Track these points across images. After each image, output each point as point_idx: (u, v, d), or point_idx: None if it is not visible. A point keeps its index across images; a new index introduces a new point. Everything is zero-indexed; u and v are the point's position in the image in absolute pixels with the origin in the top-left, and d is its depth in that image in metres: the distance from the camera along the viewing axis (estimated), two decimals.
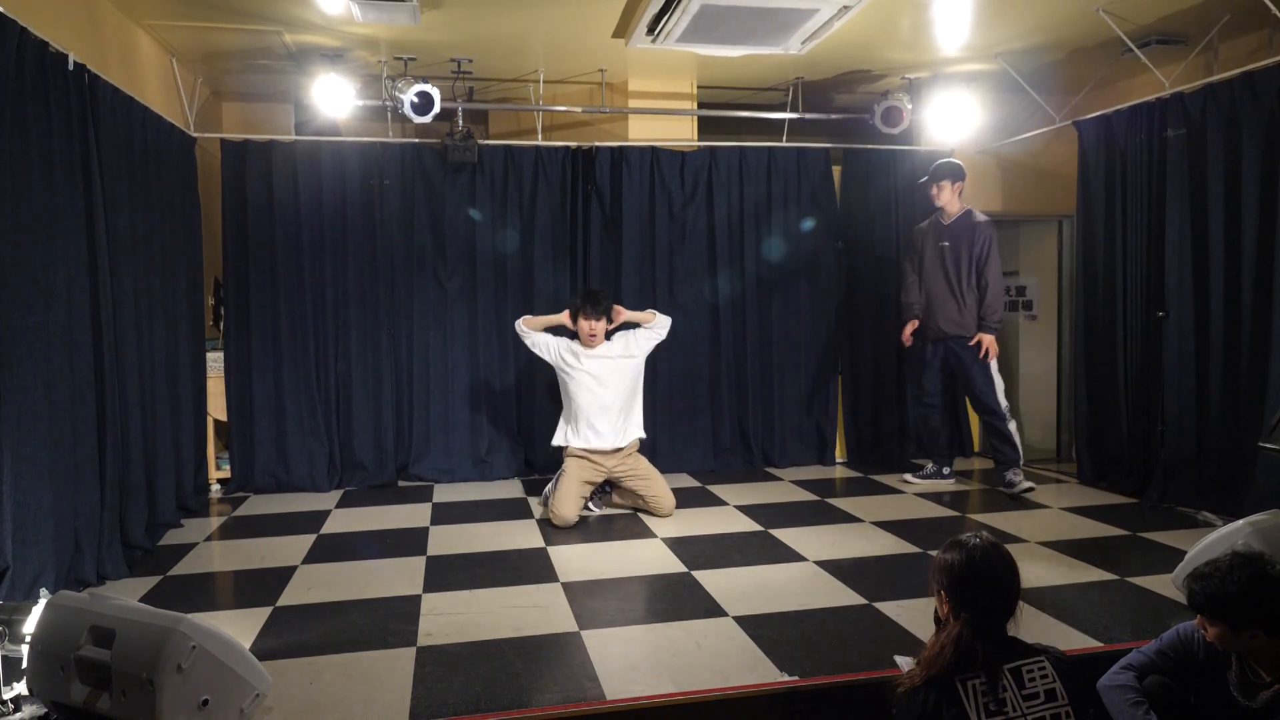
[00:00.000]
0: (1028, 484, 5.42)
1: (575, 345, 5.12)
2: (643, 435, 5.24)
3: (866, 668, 2.95)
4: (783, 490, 5.77)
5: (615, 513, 5.23)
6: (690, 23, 4.67)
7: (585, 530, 4.83)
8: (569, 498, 4.90)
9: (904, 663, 2.51)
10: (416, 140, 6.17)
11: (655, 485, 5.10)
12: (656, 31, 4.88)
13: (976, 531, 2.22)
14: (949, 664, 2.03)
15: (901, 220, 6.74)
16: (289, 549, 4.54)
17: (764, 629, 3.33)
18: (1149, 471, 5.33)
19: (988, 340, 5.47)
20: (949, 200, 5.62)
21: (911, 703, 2.05)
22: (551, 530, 4.84)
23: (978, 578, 2.12)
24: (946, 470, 5.88)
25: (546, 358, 5.17)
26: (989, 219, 5.62)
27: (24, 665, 2.65)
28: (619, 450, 5.07)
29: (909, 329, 5.80)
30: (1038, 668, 2.06)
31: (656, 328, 5.19)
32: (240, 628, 3.39)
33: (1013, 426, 5.53)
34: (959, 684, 2.02)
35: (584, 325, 5.03)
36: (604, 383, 5.05)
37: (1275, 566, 2.30)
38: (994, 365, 5.52)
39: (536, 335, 5.17)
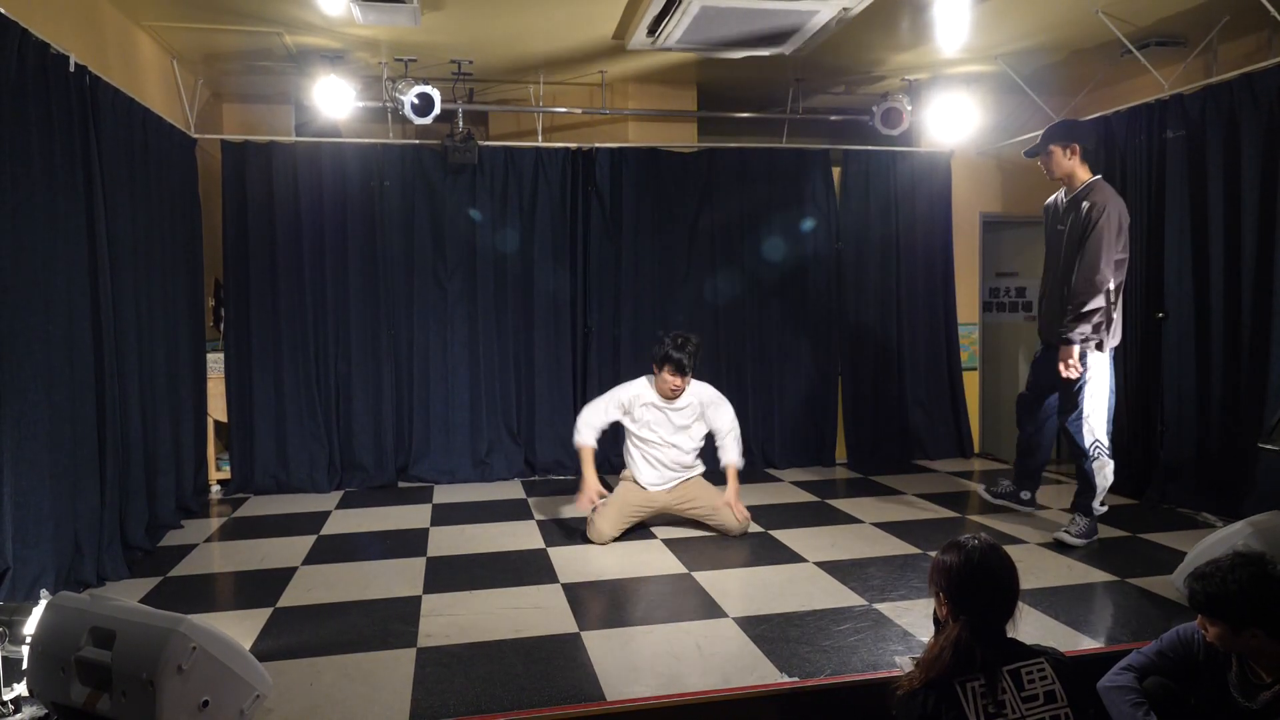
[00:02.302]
0: (1078, 542, 4.32)
1: (643, 395, 4.66)
2: (704, 469, 4.83)
3: (866, 669, 2.95)
4: (783, 491, 5.77)
5: None
6: (690, 24, 4.68)
7: (585, 532, 4.82)
8: (610, 519, 4.58)
9: (904, 663, 2.51)
10: (417, 141, 6.18)
11: (722, 514, 4.64)
12: (656, 33, 4.88)
13: (975, 533, 2.22)
14: (948, 666, 2.03)
15: (901, 221, 6.75)
16: (289, 550, 4.54)
17: (764, 630, 3.33)
18: (1149, 472, 5.33)
19: (1064, 353, 4.18)
20: (1066, 169, 4.31)
21: (910, 705, 2.05)
22: (552, 531, 4.83)
23: (976, 579, 2.11)
24: (1026, 495, 4.81)
25: (621, 420, 4.72)
26: (1113, 191, 4.29)
27: (24, 666, 2.65)
28: (671, 487, 4.73)
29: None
30: (1037, 669, 2.06)
31: (728, 420, 4.71)
32: (240, 629, 3.38)
33: (1103, 469, 4.31)
34: (958, 686, 2.02)
35: (669, 380, 4.51)
36: (671, 436, 4.66)
37: (1276, 566, 2.31)
38: (1090, 390, 4.23)
39: (600, 422, 4.68)
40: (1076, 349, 4.16)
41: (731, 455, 4.71)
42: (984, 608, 2.11)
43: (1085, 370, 4.21)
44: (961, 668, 2.03)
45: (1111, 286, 4.18)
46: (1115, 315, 4.26)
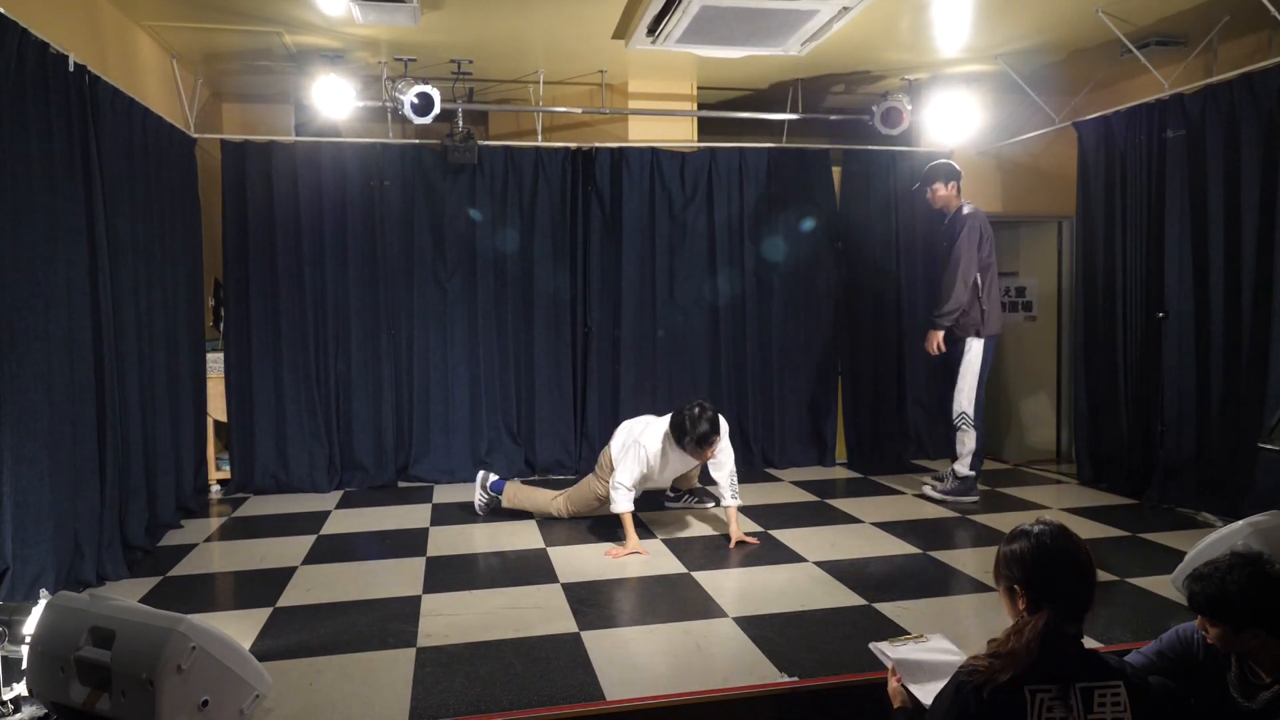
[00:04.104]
0: (937, 496, 5.33)
1: (658, 454, 4.48)
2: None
3: (866, 669, 2.95)
4: (782, 491, 5.77)
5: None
6: (690, 24, 4.67)
7: (584, 531, 4.82)
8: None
9: (883, 647, 2.43)
10: (416, 141, 6.18)
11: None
12: (656, 32, 4.88)
13: (1038, 519, 2.09)
14: (1036, 660, 1.88)
15: (901, 221, 6.75)
16: (289, 550, 4.54)
17: (763, 629, 3.34)
18: (1148, 472, 5.33)
19: (929, 336, 5.31)
20: (944, 200, 5.41)
21: (977, 700, 1.87)
22: (551, 531, 4.83)
23: (1057, 561, 1.97)
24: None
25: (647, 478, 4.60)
26: (976, 210, 5.31)
27: (24, 666, 2.65)
28: None
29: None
30: (1111, 693, 1.91)
31: (730, 463, 4.57)
32: (240, 628, 3.39)
33: (965, 436, 5.26)
34: (1027, 692, 1.88)
35: (709, 452, 4.39)
36: (682, 469, 4.80)
37: (1275, 566, 2.30)
38: (964, 369, 5.24)
39: (636, 486, 4.50)
40: (940, 334, 5.27)
41: (731, 500, 4.53)
42: (1067, 593, 1.96)
43: (966, 352, 5.22)
44: (1044, 667, 1.89)
45: (979, 283, 5.17)
46: (988, 308, 5.20)
